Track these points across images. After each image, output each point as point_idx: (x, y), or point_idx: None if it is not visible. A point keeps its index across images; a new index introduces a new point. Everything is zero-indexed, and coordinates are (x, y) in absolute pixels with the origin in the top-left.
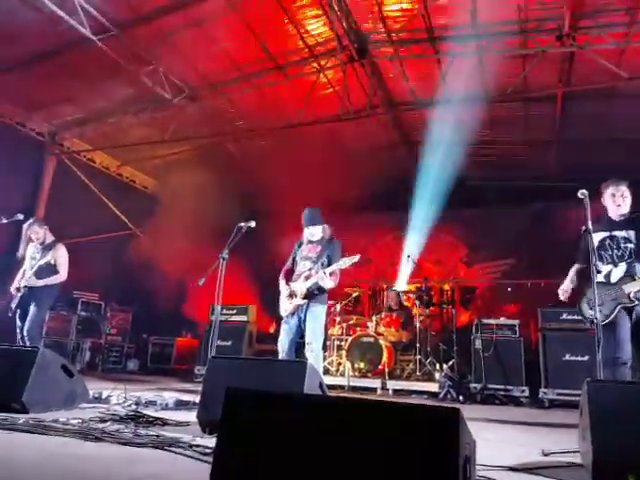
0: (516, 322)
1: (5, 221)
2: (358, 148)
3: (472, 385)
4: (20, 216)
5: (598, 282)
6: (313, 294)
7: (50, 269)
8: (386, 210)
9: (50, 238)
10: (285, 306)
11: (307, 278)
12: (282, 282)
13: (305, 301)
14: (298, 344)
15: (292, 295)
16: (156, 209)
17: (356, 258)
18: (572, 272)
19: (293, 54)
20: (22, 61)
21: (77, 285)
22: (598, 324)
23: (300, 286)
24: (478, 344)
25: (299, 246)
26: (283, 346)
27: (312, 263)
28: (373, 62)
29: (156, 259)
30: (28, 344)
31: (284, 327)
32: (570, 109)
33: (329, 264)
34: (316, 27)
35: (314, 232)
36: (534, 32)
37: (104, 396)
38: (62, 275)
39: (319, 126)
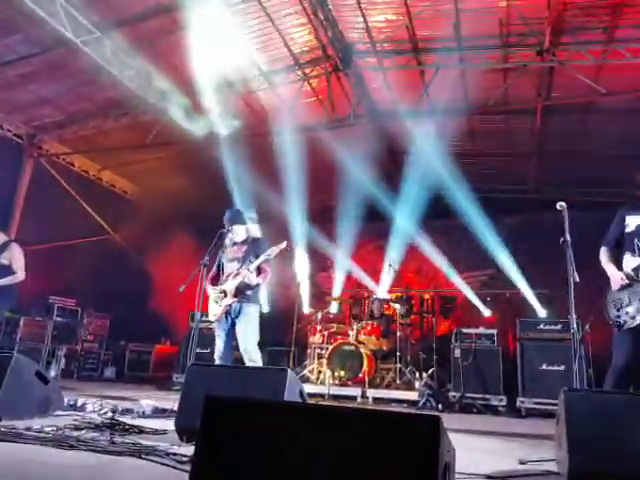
0: (494, 331)
1: None
2: (341, 157)
3: (451, 394)
4: None
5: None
6: (243, 293)
7: (6, 270)
8: (368, 219)
9: (3, 238)
10: (214, 310)
11: (235, 277)
12: (209, 287)
13: (235, 299)
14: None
15: (221, 295)
16: (135, 214)
17: (282, 245)
18: (606, 256)
19: (278, 62)
20: (0, 62)
21: (53, 290)
22: (575, 334)
23: (229, 285)
24: (457, 353)
25: (223, 251)
26: (219, 353)
27: (239, 263)
28: (357, 72)
29: (135, 265)
30: None
31: (217, 333)
32: (549, 122)
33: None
34: (301, 35)
35: (237, 231)
36: (515, 46)
37: (79, 404)
38: (19, 275)
39: (303, 134)
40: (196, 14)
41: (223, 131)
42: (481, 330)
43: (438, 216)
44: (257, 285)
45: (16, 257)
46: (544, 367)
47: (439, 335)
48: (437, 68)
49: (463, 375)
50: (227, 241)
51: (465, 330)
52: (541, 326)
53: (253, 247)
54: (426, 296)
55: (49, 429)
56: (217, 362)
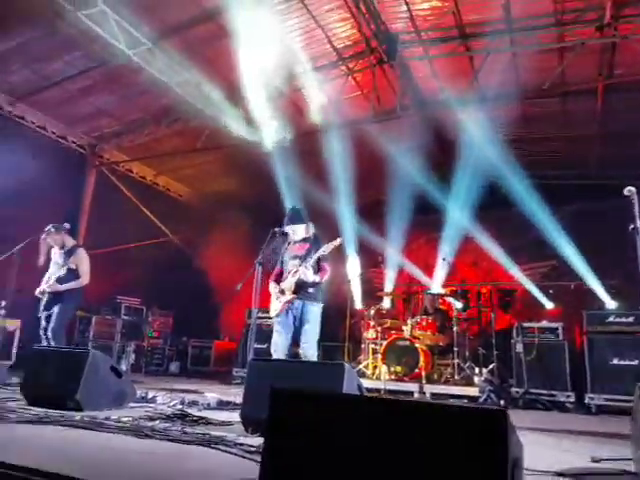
0: (559, 325)
1: (53, 230)
2: (389, 150)
3: (514, 389)
4: (67, 225)
5: None
6: (304, 290)
7: (73, 274)
8: (419, 212)
9: (70, 242)
10: (275, 306)
11: (294, 274)
12: (272, 284)
13: (294, 296)
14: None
15: (282, 292)
16: (191, 216)
17: (337, 242)
18: None
19: (321, 58)
20: (62, 77)
21: (119, 290)
22: None
23: (289, 282)
24: (519, 348)
25: (286, 248)
26: (276, 347)
27: (300, 260)
28: (403, 63)
29: (192, 264)
30: (53, 343)
31: (276, 328)
32: (612, 102)
33: (317, 262)
34: (344, 30)
35: (296, 230)
36: (572, 24)
37: (150, 396)
38: (84, 279)
39: (349, 129)
40: (239, 18)
41: (273, 140)
42: (544, 324)
43: (493, 206)
44: (317, 283)
45: (82, 261)
46: (615, 362)
47: (498, 330)
48: (487, 53)
49: (526, 370)
50: (289, 238)
51: (527, 324)
52: (610, 319)
53: (314, 245)
54: (483, 290)
55: (126, 419)
56: (273, 356)
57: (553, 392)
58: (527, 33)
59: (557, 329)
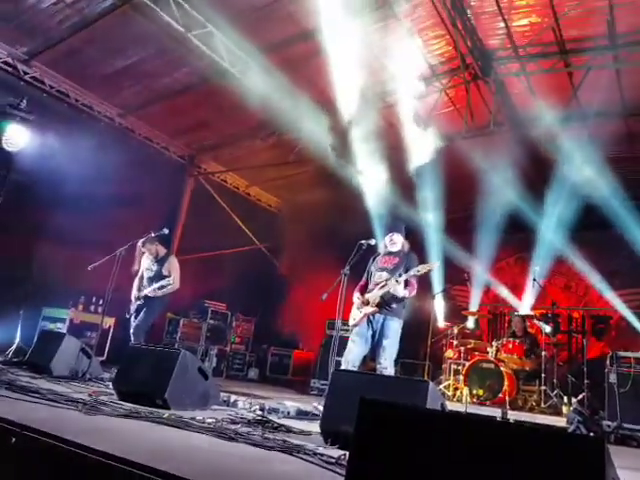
0: None
1: (154, 235)
2: (480, 167)
3: (605, 423)
4: (166, 230)
5: None
6: (388, 305)
7: (165, 279)
8: (509, 231)
9: (163, 251)
10: (353, 315)
11: (382, 287)
12: (356, 294)
13: (376, 309)
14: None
15: (365, 303)
16: (280, 227)
17: (435, 265)
18: None
19: (416, 74)
20: (168, 92)
21: (207, 295)
22: None
23: (374, 294)
24: (613, 378)
25: (374, 259)
26: (349, 357)
27: (389, 273)
28: (498, 79)
29: (277, 273)
30: (132, 340)
31: (353, 338)
32: None
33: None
34: (438, 47)
35: (395, 240)
36: None
37: (232, 400)
38: (175, 285)
39: (440, 145)
40: (336, 37)
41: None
42: None
43: (590, 227)
44: (403, 298)
45: (174, 268)
46: None
47: (590, 358)
48: (588, 69)
49: (620, 403)
50: (381, 249)
51: (622, 353)
52: None
53: (405, 260)
54: (575, 314)
55: (210, 421)
56: (343, 365)
57: None
58: (632, 49)
59: None
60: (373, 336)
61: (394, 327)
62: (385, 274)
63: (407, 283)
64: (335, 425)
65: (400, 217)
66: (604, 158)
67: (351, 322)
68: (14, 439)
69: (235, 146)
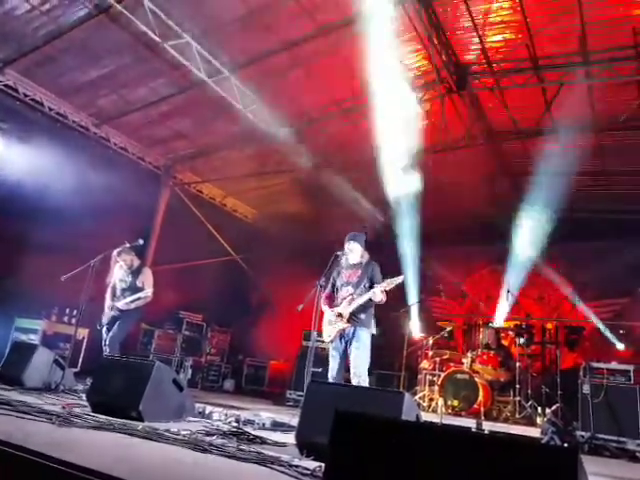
0: (630, 367)
1: (129, 245)
2: (453, 180)
3: (579, 433)
4: (140, 241)
5: None
6: (356, 317)
7: (139, 291)
8: (482, 243)
9: (137, 262)
10: (328, 331)
11: (350, 302)
12: (325, 307)
13: (348, 325)
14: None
15: (339, 317)
16: (255, 237)
17: (399, 279)
18: None
19: (391, 89)
20: (144, 102)
21: (182, 306)
22: None
23: (344, 310)
24: (586, 389)
25: (338, 273)
26: (333, 373)
27: (354, 287)
28: (472, 93)
29: (253, 284)
30: (107, 351)
31: (332, 353)
32: None
33: (371, 286)
34: (414, 61)
35: (353, 248)
36: None
37: (207, 412)
38: (149, 297)
39: (414, 158)
40: (312, 51)
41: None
42: (614, 365)
43: (563, 239)
44: (369, 309)
45: (148, 279)
46: None
47: (564, 368)
48: (560, 85)
49: (593, 414)
50: (342, 262)
51: (595, 364)
52: None
53: (366, 272)
54: (549, 325)
55: (185, 432)
56: (329, 380)
57: (622, 439)
58: (603, 65)
59: (629, 372)
60: (346, 347)
61: (364, 336)
62: (351, 288)
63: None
64: (310, 436)
65: (364, 226)
66: (577, 172)
67: (326, 339)
68: None
69: (211, 157)
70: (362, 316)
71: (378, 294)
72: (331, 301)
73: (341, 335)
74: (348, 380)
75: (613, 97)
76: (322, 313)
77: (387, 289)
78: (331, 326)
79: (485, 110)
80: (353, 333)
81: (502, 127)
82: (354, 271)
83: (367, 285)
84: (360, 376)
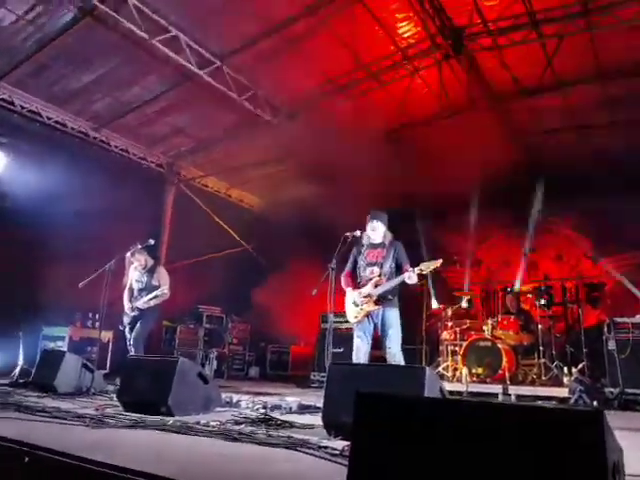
0: None
1: (140, 246)
2: (461, 146)
3: (607, 390)
4: (151, 241)
5: None
6: (387, 299)
7: (155, 290)
8: (495, 207)
9: (151, 262)
10: (354, 312)
11: (377, 283)
12: (348, 288)
13: (377, 307)
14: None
15: (365, 299)
16: (264, 226)
17: (438, 262)
18: None
19: (386, 59)
20: (138, 101)
21: (200, 300)
22: None
23: (371, 291)
24: (612, 345)
25: (359, 252)
26: (359, 354)
27: (379, 268)
28: (470, 56)
29: (267, 272)
30: (132, 351)
31: (359, 334)
32: None
33: (397, 267)
34: (407, 29)
35: (376, 227)
36: None
37: (234, 400)
38: (166, 294)
39: (417, 128)
40: (301, 28)
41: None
42: (639, 319)
43: (577, 195)
44: (396, 290)
45: (163, 278)
46: None
47: (587, 326)
48: (560, 38)
49: (621, 369)
50: (364, 241)
51: (619, 319)
52: None
53: (391, 250)
54: (569, 285)
55: (214, 423)
56: (355, 361)
57: None
58: (604, 12)
59: None
60: (375, 328)
61: (395, 316)
62: (376, 269)
63: (400, 269)
64: (336, 417)
65: (381, 209)
66: (584, 126)
67: (352, 319)
68: (27, 459)
69: (212, 149)
70: (390, 297)
71: (414, 278)
72: (353, 280)
73: (369, 316)
74: (376, 359)
75: (618, 44)
76: (338, 294)
77: (424, 273)
78: (357, 307)
79: (485, 72)
80: (383, 314)
81: (504, 88)
82: (378, 251)
83: (392, 266)
84: (395, 355)
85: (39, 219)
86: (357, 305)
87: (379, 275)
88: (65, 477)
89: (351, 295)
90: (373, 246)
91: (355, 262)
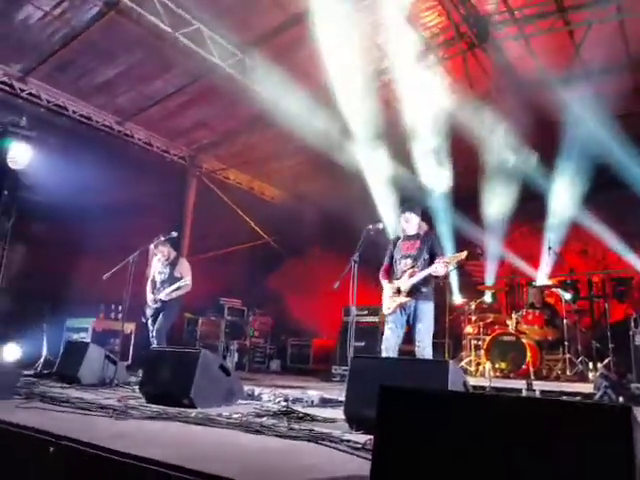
0: None
1: (163, 239)
2: (486, 137)
3: (634, 385)
4: (174, 233)
5: None
6: (418, 290)
7: (177, 281)
8: (521, 200)
9: (173, 254)
10: (387, 304)
11: (411, 275)
12: (384, 281)
13: (409, 299)
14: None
15: (397, 292)
16: (286, 218)
17: (463, 255)
18: None
19: (410, 49)
20: (162, 95)
21: (222, 292)
22: None
23: (405, 283)
24: (639, 340)
25: (394, 245)
26: (388, 344)
27: (413, 260)
28: (496, 45)
29: (288, 264)
30: (155, 343)
31: (390, 326)
32: None
33: (431, 258)
34: (430, 19)
35: (409, 219)
36: None
37: (256, 393)
38: (189, 286)
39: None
40: (324, 20)
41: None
42: None
43: (603, 189)
44: (429, 282)
45: (186, 270)
46: None
47: (614, 321)
48: (589, 25)
49: None
50: (399, 231)
51: None
52: None
53: (426, 241)
54: (595, 279)
55: (236, 416)
56: (383, 352)
57: None
58: None
59: None
60: (407, 321)
61: (428, 309)
62: (410, 260)
63: (433, 260)
64: (358, 410)
65: (413, 198)
66: (613, 116)
67: (385, 311)
68: (52, 449)
69: (234, 142)
70: (424, 289)
71: (440, 269)
72: (389, 274)
73: (402, 308)
74: (405, 353)
75: None
76: (361, 288)
77: (450, 265)
78: (391, 299)
79: (511, 61)
80: (416, 307)
81: (531, 76)
82: (412, 242)
83: (427, 257)
84: (425, 348)
85: (64, 212)
86: (391, 297)
87: (412, 267)
88: (90, 467)
89: (387, 288)
90: (408, 238)
91: (392, 256)
